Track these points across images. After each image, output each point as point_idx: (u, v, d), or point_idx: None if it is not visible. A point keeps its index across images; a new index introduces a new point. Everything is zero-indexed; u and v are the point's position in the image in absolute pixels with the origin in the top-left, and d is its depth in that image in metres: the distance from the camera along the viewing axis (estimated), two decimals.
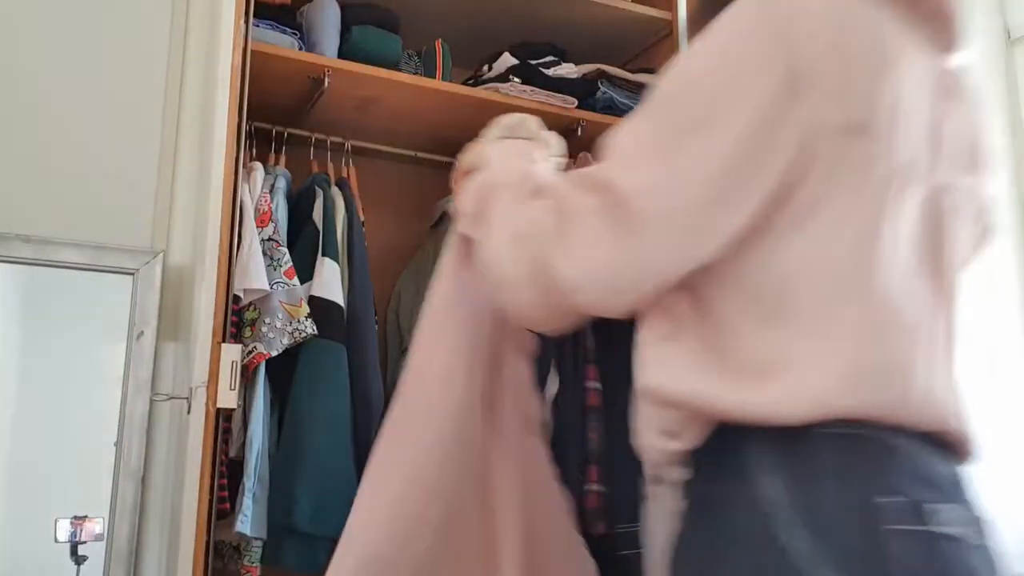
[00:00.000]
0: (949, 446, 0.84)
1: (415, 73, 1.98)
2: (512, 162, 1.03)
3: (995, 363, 2.06)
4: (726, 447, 0.82)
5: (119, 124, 1.92)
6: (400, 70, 1.92)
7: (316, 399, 1.67)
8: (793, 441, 0.78)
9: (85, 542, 1.69)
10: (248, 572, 1.64)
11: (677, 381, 0.84)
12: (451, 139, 2.09)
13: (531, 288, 0.87)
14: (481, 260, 0.96)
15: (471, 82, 2.03)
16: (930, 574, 0.74)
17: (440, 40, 2.01)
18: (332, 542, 1.68)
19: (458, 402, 1.08)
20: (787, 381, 0.79)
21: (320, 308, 1.70)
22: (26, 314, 1.82)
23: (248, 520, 1.59)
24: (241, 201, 1.65)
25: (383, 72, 1.83)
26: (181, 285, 1.87)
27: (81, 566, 1.68)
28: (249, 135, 1.85)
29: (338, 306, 1.72)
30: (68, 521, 1.69)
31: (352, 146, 2.00)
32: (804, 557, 0.74)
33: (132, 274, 1.81)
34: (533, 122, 1.13)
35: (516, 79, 1.96)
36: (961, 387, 0.88)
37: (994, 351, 2.07)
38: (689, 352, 0.84)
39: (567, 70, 2.04)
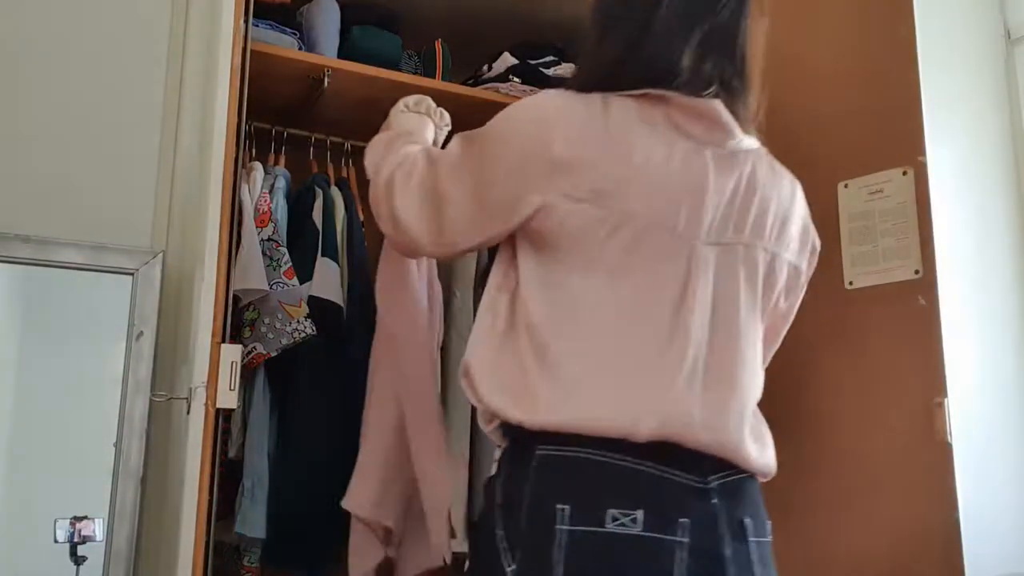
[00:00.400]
0: (688, 459, 1.02)
1: (415, 73, 1.97)
2: (407, 124, 1.39)
3: (994, 364, 2.06)
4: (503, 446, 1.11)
5: (119, 124, 1.92)
6: (400, 70, 1.92)
7: (315, 399, 1.67)
8: (516, 453, 1.05)
9: (84, 542, 1.69)
10: (248, 572, 1.64)
11: (487, 394, 1.09)
12: (450, 139, 2.08)
13: (391, 224, 1.21)
14: (371, 197, 1.25)
15: (471, 82, 2.03)
16: (593, 568, 0.97)
17: (440, 40, 2.01)
18: (331, 542, 1.69)
19: (425, 335, 1.55)
20: (531, 405, 1.03)
21: (320, 308, 1.70)
22: (25, 314, 1.82)
23: (247, 520, 1.59)
24: (240, 201, 1.65)
25: (383, 72, 1.83)
26: (181, 285, 1.87)
27: (80, 567, 1.68)
28: (249, 135, 1.84)
29: (337, 306, 1.72)
30: (67, 521, 1.69)
31: (352, 146, 1.99)
32: (504, 545, 1.01)
33: (132, 274, 1.81)
34: (429, 100, 1.48)
35: (516, 79, 1.96)
36: (731, 410, 1.06)
37: (994, 352, 2.07)
38: (499, 369, 1.09)
39: (567, 70, 2.03)
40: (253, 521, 1.60)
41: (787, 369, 1.68)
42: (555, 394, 1.02)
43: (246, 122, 1.59)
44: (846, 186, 1.67)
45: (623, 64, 1.11)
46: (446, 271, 1.85)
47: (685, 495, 1.01)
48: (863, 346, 1.62)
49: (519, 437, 1.05)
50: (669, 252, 1.06)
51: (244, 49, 1.57)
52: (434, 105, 1.48)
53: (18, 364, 1.79)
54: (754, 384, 1.13)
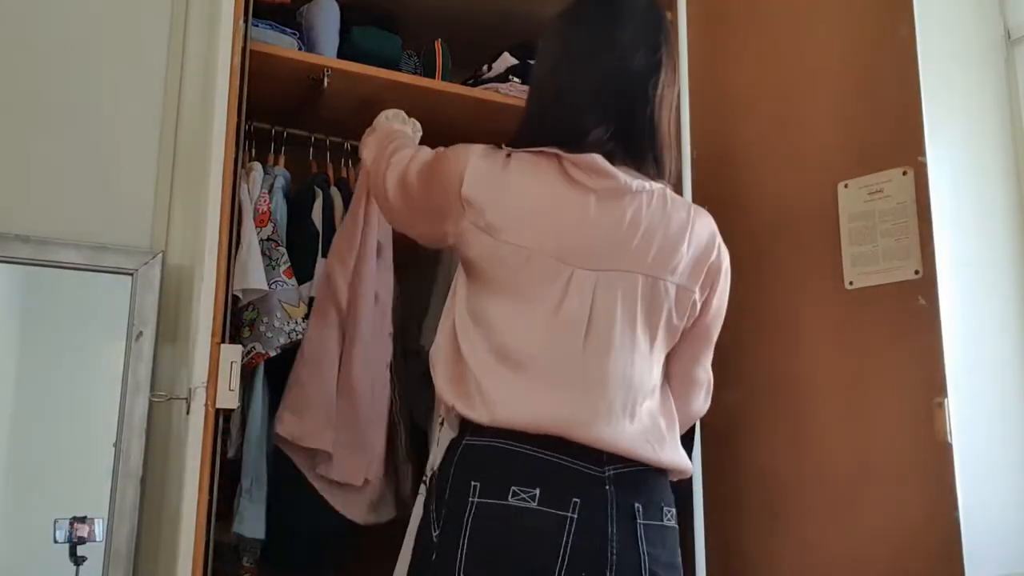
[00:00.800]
0: (586, 451, 1.23)
1: (415, 73, 1.97)
2: (389, 127, 1.61)
3: (994, 364, 2.06)
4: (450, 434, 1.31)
5: (119, 124, 1.92)
6: (400, 70, 1.92)
7: None
8: (454, 442, 1.27)
9: (84, 543, 1.69)
10: (247, 573, 1.64)
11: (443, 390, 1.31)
12: (450, 139, 2.08)
13: (381, 199, 1.45)
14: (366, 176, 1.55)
15: (471, 82, 2.03)
16: (495, 532, 1.18)
17: (440, 40, 2.01)
18: (332, 543, 1.69)
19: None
20: (467, 404, 1.25)
21: None
22: (25, 314, 1.82)
23: (245, 520, 1.59)
24: (240, 201, 1.65)
25: (383, 72, 1.83)
26: (180, 285, 1.87)
27: (80, 567, 1.68)
28: (248, 135, 1.84)
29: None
30: (67, 522, 1.69)
31: (351, 146, 1.99)
32: (434, 516, 1.24)
33: (131, 274, 1.81)
34: (403, 113, 1.70)
35: (515, 79, 1.96)
36: (599, 411, 1.26)
37: (994, 352, 2.07)
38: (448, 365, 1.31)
39: None
40: (251, 521, 1.60)
41: (787, 369, 1.68)
42: (480, 396, 1.24)
43: (246, 122, 1.59)
44: (846, 186, 1.67)
45: (535, 126, 1.37)
46: (446, 271, 1.85)
47: (578, 479, 1.22)
48: (863, 346, 1.62)
49: (464, 428, 1.28)
50: (550, 276, 1.28)
51: (244, 49, 1.58)
52: (406, 116, 1.71)
53: (18, 364, 1.79)
54: (629, 388, 1.29)
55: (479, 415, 1.24)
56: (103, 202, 1.87)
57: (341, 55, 1.84)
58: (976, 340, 1.78)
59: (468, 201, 1.29)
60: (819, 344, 1.69)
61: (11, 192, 1.80)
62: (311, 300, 1.70)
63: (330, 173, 1.93)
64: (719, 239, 1.42)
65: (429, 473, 1.40)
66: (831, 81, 1.74)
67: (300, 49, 1.81)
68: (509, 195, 1.30)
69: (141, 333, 1.79)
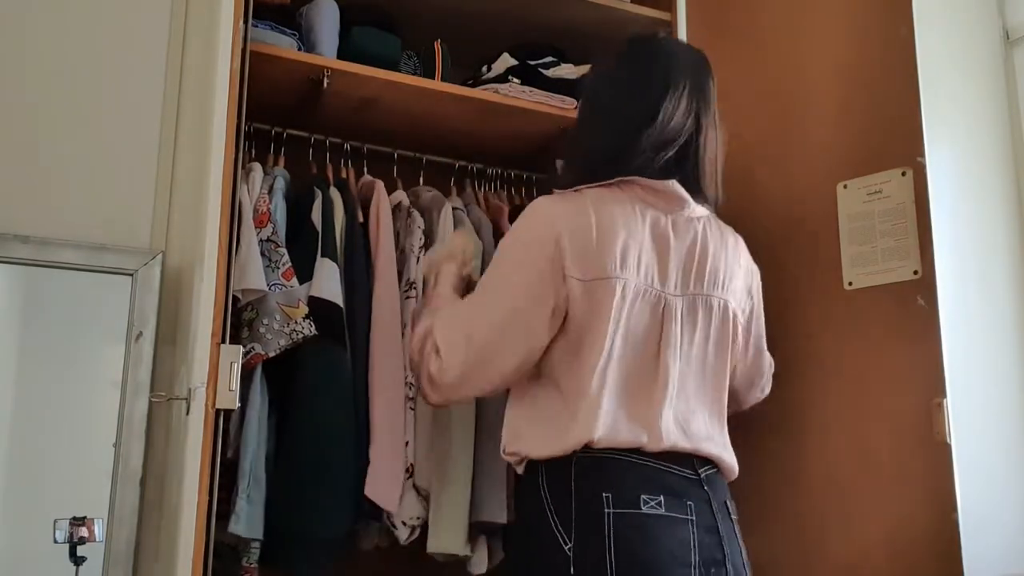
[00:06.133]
0: (680, 460, 1.35)
1: (414, 73, 1.97)
2: (444, 287, 1.59)
3: (994, 364, 2.06)
4: (531, 470, 1.38)
5: (118, 125, 1.92)
6: (399, 70, 1.92)
7: (316, 400, 1.67)
8: (555, 466, 1.33)
9: (84, 543, 1.69)
10: (247, 573, 1.63)
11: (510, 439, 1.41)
12: (450, 140, 2.09)
13: (425, 379, 1.43)
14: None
15: (470, 83, 2.03)
16: (639, 539, 1.26)
17: (439, 40, 2.01)
18: (333, 543, 1.69)
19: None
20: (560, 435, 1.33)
21: (320, 309, 1.69)
22: (24, 315, 1.82)
23: (242, 520, 1.59)
24: (240, 202, 1.65)
25: (382, 72, 1.82)
26: (180, 286, 1.87)
27: (80, 567, 1.68)
28: (248, 136, 1.84)
29: (338, 307, 1.72)
30: (67, 522, 1.69)
31: (351, 146, 1.99)
32: (560, 530, 1.28)
33: (131, 275, 1.81)
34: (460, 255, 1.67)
35: (515, 80, 1.96)
36: (698, 422, 1.39)
37: (994, 352, 2.07)
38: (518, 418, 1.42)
39: (566, 71, 2.03)
40: (250, 521, 1.60)
41: (786, 369, 1.68)
42: (584, 421, 1.32)
43: (245, 123, 1.59)
44: (845, 186, 1.67)
45: (604, 160, 1.43)
46: None
47: (685, 484, 1.34)
48: (862, 347, 1.62)
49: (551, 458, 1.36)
50: (649, 305, 1.38)
51: (243, 50, 1.57)
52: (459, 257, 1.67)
53: (18, 364, 1.79)
54: (716, 400, 1.45)
55: (584, 437, 1.32)
56: (103, 202, 1.87)
57: (341, 55, 1.84)
58: (976, 340, 1.78)
59: (570, 274, 1.34)
60: (818, 344, 1.69)
61: (11, 192, 1.81)
62: (311, 300, 1.69)
63: (329, 174, 1.93)
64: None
65: None
66: (830, 82, 1.74)
67: (300, 49, 1.80)
68: (605, 235, 1.36)
69: (141, 333, 1.79)
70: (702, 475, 1.37)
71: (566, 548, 1.27)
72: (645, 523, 1.28)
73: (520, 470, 1.41)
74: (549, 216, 1.38)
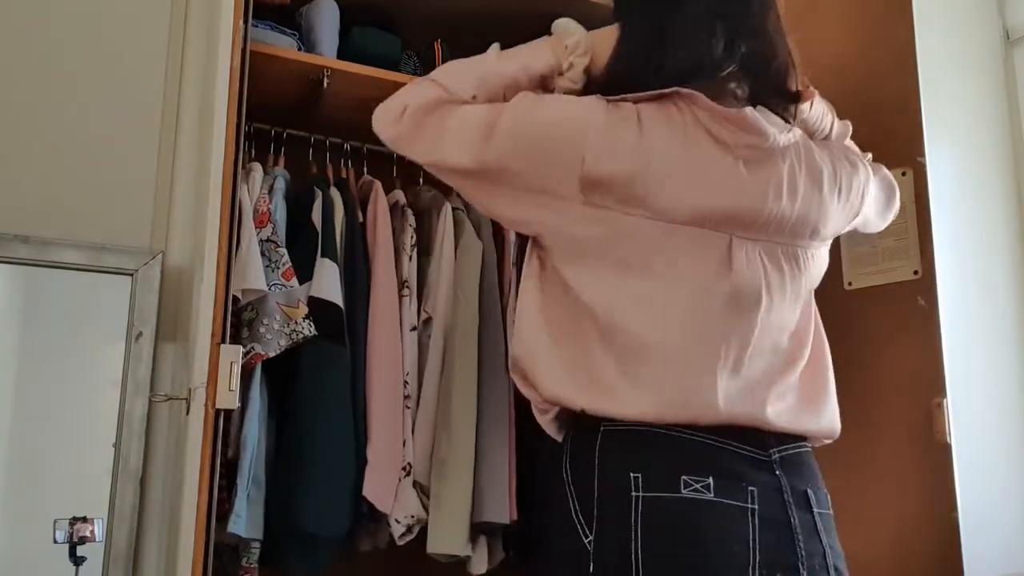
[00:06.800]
0: (742, 435, 1.09)
1: (414, 73, 1.97)
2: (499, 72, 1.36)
3: (994, 364, 2.06)
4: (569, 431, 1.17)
5: (118, 125, 1.92)
6: (400, 70, 1.92)
7: (317, 400, 1.67)
8: (580, 431, 1.12)
9: (84, 543, 1.69)
10: (247, 573, 1.63)
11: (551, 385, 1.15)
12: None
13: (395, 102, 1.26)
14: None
15: None
16: (672, 530, 1.02)
17: (440, 40, 2.01)
18: (333, 543, 1.69)
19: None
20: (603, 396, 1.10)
21: (320, 309, 1.69)
22: (24, 315, 1.82)
23: (242, 520, 1.58)
24: (240, 202, 1.65)
25: (382, 73, 1.82)
26: (180, 286, 1.87)
27: (80, 567, 1.68)
28: (248, 136, 1.84)
29: (338, 307, 1.72)
30: (67, 522, 1.69)
31: (351, 146, 1.99)
32: (580, 519, 1.06)
33: (131, 275, 1.81)
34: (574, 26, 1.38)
35: None
36: (768, 391, 1.13)
37: (994, 352, 2.07)
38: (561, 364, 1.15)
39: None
40: (250, 521, 1.60)
41: None
42: (628, 389, 1.09)
43: (245, 123, 1.59)
44: None
45: (648, 62, 1.17)
46: (449, 274, 1.85)
47: (748, 464, 1.08)
48: (862, 347, 1.62)
49: (580, 423, 1.13)
50: (701, 249, 1.12)
51: (243, 50, 1.57)
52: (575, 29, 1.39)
53: (18, 364, 1.79)
54: (788, 361, 1.19)
55: (626, 409, 1.08)
56: (103, 202, 1.87)
57: (341, 55, 1.84)
58: (976, 340, 1.78)
59: (592, 182, 1.10)
60: None
61: (11, 192, 1.80)
62: (311, 300, 1.70)
63: (329, 174, 1.93)
64: (860, 154, 1.32)
65: None
66: (830, 82, 1.74)
67: (300, 49, 1.80)
68: (650, 161, 1.10)
69: (141, 333, 1.79)
70: (774, 455, 1.11)
71: (586, 541, 1.06)
72: (684, 511, 1.03)
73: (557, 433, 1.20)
74: (581, 124, 1.13)
